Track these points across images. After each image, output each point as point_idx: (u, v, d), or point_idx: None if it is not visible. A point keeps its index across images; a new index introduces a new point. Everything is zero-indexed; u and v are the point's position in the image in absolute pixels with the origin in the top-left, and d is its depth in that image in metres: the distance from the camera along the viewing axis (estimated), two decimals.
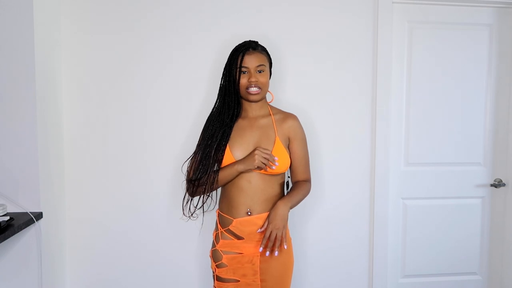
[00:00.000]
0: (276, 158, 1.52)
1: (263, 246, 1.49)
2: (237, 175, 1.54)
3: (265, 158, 1.50)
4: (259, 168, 1.52)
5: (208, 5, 2.02)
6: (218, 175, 1.53)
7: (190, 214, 1.61)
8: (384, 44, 2.13)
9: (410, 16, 2.21)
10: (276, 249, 1.48)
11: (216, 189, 1.59)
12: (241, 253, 1.55)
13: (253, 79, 1.54)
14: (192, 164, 1.60)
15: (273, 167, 1.51)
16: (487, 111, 2.30)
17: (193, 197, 1.60)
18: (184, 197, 1.62)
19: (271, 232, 1.47)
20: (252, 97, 1.57)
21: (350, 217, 2.20)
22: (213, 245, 1.63)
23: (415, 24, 2.22)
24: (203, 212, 1.65)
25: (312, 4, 2.08)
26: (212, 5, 2.02)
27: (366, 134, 2.17)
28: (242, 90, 1.57)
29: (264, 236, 1.48)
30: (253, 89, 1.55)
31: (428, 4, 2.20)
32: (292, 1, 2.07)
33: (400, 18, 2.20)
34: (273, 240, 1.47)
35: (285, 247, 1.50)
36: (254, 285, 1.55)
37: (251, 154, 1.52)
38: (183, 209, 1.61)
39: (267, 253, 1.49)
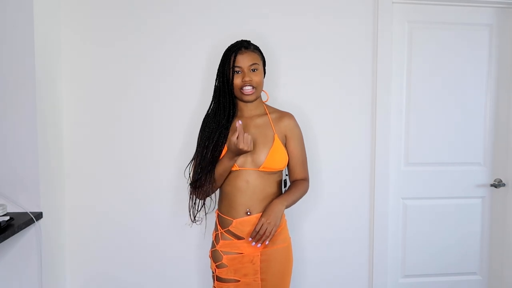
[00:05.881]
0: (240, 122, 1.45)
1: (252, 236, 1.50)
2: (231, 168, 1.53)
3: (243, 141, 1.43)
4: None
5: (207, 7, 2.02)
6: (214, 173, 1.53)
7: (193, 218, 1.62)
8: (384, 44, 2.13)
9: (410, 16, 2.21)
10: (260, 241, 1.49)
11: (217, 188, 1.59)
12: (241, 253, 1.55)
13: (247, 79, 1.53)
14: (193, 168, 1.61)
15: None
16: (487, 111, 2.30)
17: (200, 199, 1.60)
18: (189, 203, 1.62)
19: (262, 225, 1.48)
20: (246, 97, 1.56)
21: (350, 217, 2.20)
22: (213, 246, 1.62)
23: (415, 24, 2.22)
24: (206, 214, 1.64)
25: (312, 4, 2.08)
26: (210, 7, 2.02)
27: (366, 134, 2.17)
28: (237, 90, 1.56)
29: (254, 228, 1.49)
30: (247, 89, 1.54)
31: (428, 4, 2.20)
32: (291, 1, 2.07)
33: (400, 18, 2.20)
34: (262, 234, 1.48)
35: (267, 243, 1.51)
36: (255, 284, 1.55)
37: (233, 146, 1.45)
38: (190, 215, 1.62)
39: (253, 243, 1.50)
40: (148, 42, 2.00)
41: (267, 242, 1.51)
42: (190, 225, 1.63)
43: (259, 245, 1.50)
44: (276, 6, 2.06)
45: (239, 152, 1.47)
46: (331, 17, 2.10)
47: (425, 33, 2.22)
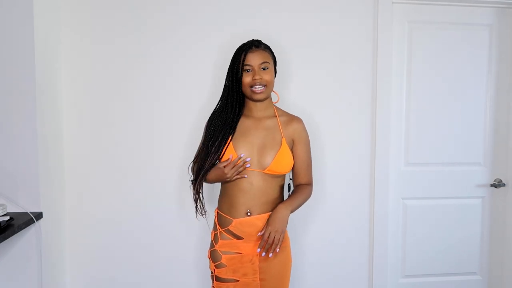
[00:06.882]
0: (243, 155, 1.53)
1: (260, 247, 1.49)
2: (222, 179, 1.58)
3: (236, 169, 1.51)
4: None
5: (212, 7, 2.02)
6: (207, 177, 1.57)
7: (201, 212, 1.62)
8: (384, 44, 2.13)
9: (410, 16, 2.21)
10: (271, 251, 1.48)
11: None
12: (240, 253, 1.55)
13: (257, 77, 1.52)
14: (195, 164, 1.62)
15: (248, 165, 1.52)
16: (487, 111, 2.30)
17: (197, 193, 1.60)
18: (194, 198, 1.61)
19: (269, 234, 1.47)
20: (257, 96, 1.55)
21: (350, 217, 2.19)
22: (212, 246, 1.62)
23: (415, 24, 2.21)
24: (201, 208, 1.63)
25: (313, 5, 2.08)
26: (216, 7, 2.02)
27: (366, 134, 2.17)
28: (247, 89, 1.56)
29: (262, 238, 1.48)
30: (258, 87, 1.53)
31: (428, 4, 2.20)
32: (291, 2, 2.07)
33: (400, 18, 2.20)
34: (271, 243, 1.47)
35: (277, 250, 1.49)
36: (254, 284, 1.54)
37: (220, 169, 1.52)
38: (196, 210, 1.62)
39: (263, 253, 1.49)
40: (148, 42, 2.00)
41: (277, 250, 1.49)
42: (198, 218, 1.70)
43: (270, 255, 1.49)
44: (275, 6, 2.06)
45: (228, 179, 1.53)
46: (331, 17, 2.10)
47: (425, 33, 2.22)
